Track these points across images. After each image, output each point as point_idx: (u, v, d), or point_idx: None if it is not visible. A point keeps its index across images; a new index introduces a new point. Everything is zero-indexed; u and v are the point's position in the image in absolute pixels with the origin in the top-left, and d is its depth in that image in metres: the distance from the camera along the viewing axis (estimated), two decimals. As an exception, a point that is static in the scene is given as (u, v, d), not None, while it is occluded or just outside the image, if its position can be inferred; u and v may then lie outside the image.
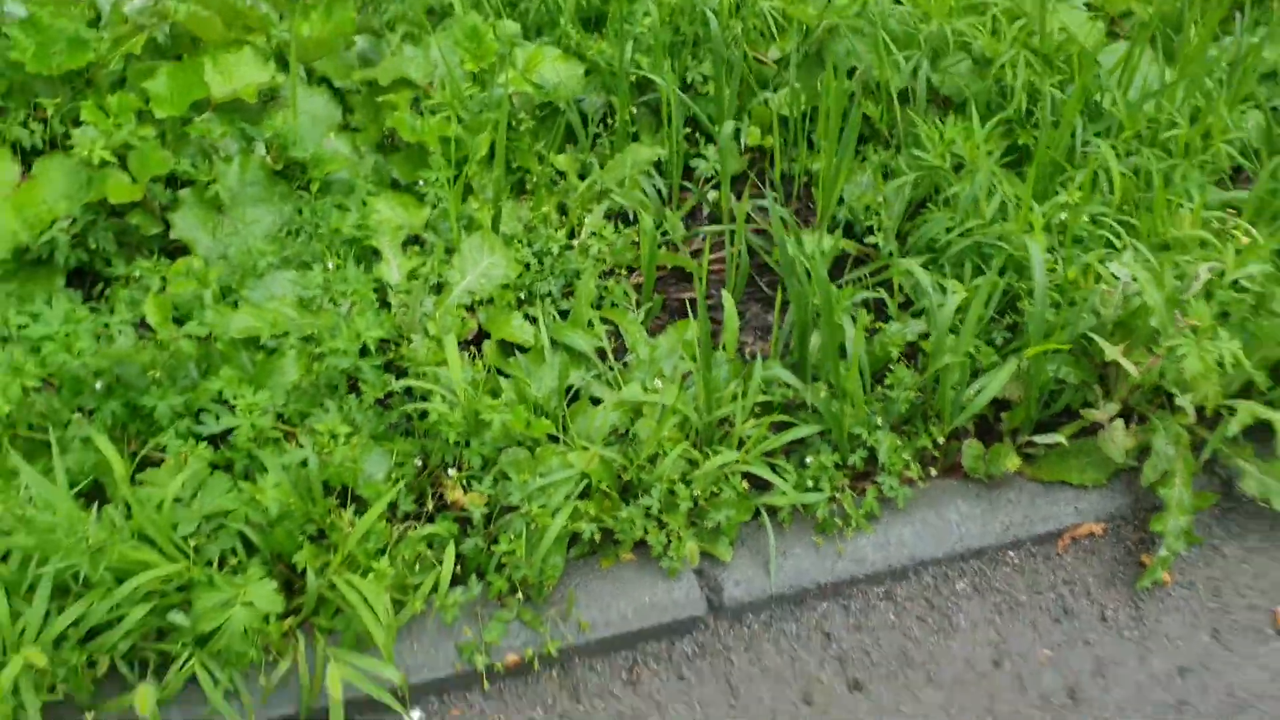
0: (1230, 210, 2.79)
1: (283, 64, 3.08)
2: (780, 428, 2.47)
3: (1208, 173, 2.88)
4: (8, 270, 2.62)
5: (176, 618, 2.04)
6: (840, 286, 2.77)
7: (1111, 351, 2.39)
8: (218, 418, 2.26)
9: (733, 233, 2.81)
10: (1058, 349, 2.43)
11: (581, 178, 3.05)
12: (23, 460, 2.08)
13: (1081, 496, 2.53)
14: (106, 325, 2.37)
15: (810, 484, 2.41)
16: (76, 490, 2.14)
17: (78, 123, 2.75)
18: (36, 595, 1.95)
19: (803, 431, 2.43)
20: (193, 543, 2.10)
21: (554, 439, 2.38)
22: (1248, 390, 2.55)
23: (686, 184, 3.14)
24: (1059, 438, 2.50)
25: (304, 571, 2.13)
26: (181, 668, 2.02)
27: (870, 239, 2.88)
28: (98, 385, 2.27)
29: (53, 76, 2.81)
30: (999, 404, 2.58)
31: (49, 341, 2.23)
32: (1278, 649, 2.40)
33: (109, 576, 1.99)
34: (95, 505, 2.11)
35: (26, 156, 2.74)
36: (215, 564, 2.12)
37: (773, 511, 2.40)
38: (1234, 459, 2.53)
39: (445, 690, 2.18)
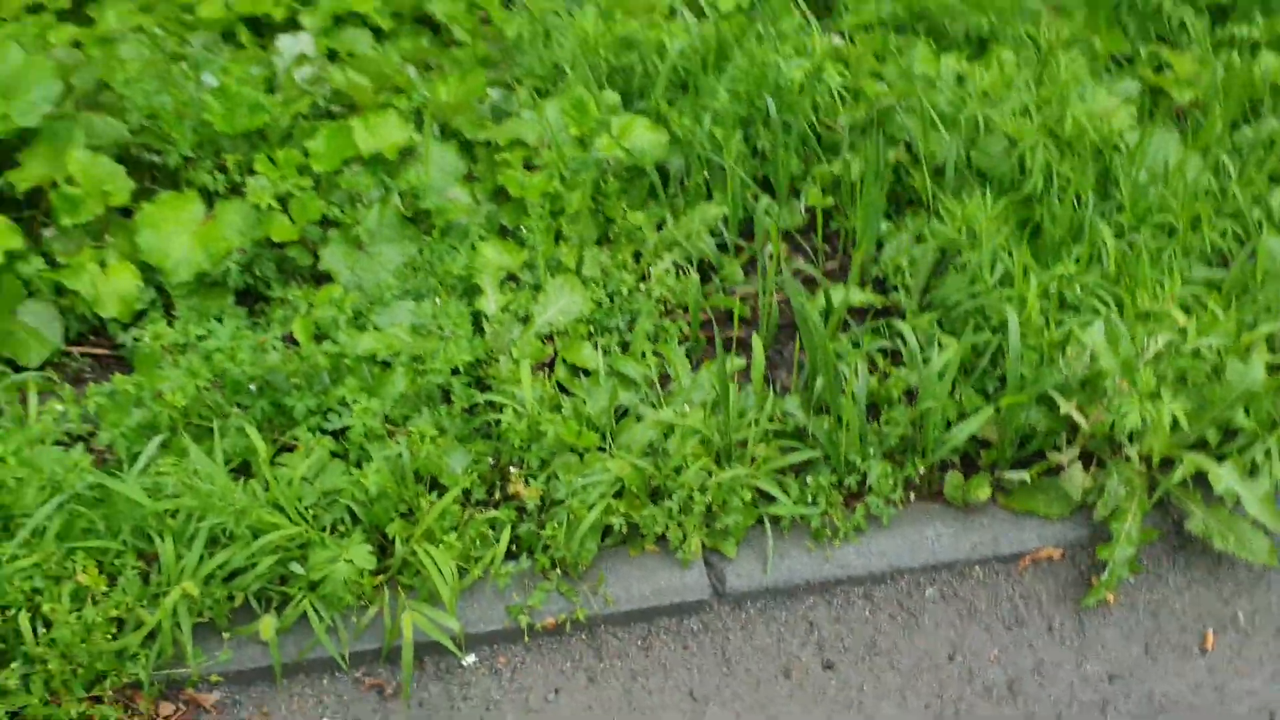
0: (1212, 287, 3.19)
1: (421, 124, 3.73)
2: (790, 451, 2.99)
3: (1195, 253, 3.27)
4: (191, 290, 3.33)
5: (296, 568, 2.68)
6: (860, 334, 3.27)
7: (1065, 405, 2.84)
8: (340, 416, 2.91)
9: (778, 283, 3.34)
10: (1026, 400, 2.89)
11: (660, 228, 3.61)
12: (191, 442, 2.77)
13: (1046, 525, 2.98)
14: (263, 341, 3.05)
15: (809, 499, 2.92)
16: (230, 467, 2.81)
17: (252, 172, 3.45)
18: (195, 543, 2.62)
19: (805, 455, 2.95)
20: (312, 512, 2.75)
21: (601, 449, 2.95)
22: (1204, 443, 2.97)
23: (742, 242, 3.67)
24: (1026, 475, 2.95)
25: (394, 540, 2.76)
26: (296, 606, 2.67)
27: (895, 295, 3.37)
28: (252, 387, 2.95)
29: (235, 134, 3.52)
30: (982, 442, 3.05)
31: (219, 353, 2.92)
32: (1201, 665, 2.81)
33: (248, 533, 2.65)
34: (243, 479, 2.78)
35: (211, 199, 3.45)
36: (328, 529, 2.76)
37: (775, 519, 2.93)
38: (1184, 501, 2.94)
39: (495, 641, 2.78)
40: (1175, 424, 2.86)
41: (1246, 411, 2.93)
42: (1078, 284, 3.14)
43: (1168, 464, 2.95)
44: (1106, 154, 3.46)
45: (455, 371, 3.00)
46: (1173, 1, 4.19)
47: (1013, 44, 3.93)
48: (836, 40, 4.32)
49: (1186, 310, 3.10)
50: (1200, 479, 2.92)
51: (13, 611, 2.52)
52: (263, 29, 4.53)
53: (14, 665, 2.50)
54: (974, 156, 3.57)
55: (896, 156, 3.64)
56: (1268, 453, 2.89)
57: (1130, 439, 2.88)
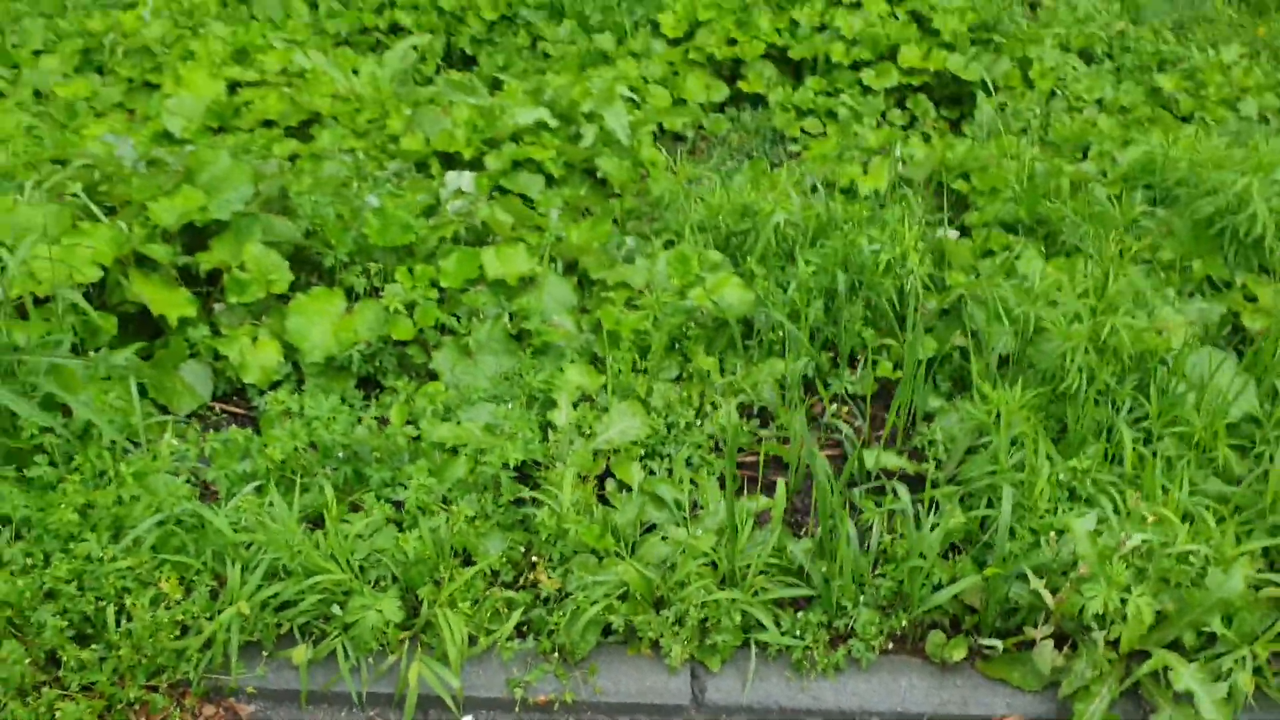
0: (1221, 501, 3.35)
1: (550, 259, 4.27)
2: (790, 586, 3.29)
3: (1211, 467, 3.43)
4: (321, 370, 3.92)
5: (335, 610, 3.14)
6: (872, 490, 3.56)
7: (1036, 583, 3.06)
8: (406, 489, 3.39)
9: (828, 435, 3.67)
10: (1005, 572, 3.12)
11: (734, 373, 4.00)
12: (275, 489, 3.29)
13: (1016, 696, 3.16)
14: (360, 418, 3.59)
15: (797, 633, 3.21)
16: (305, 516, 3.32)
17: (392, 280, 4.04)
18: (256, 572, 3.12)
19: (799, 593, 3.25)
20: (360, 565, 3.21)
21: (620, 555, 3.32)
22: (1182, 644, 3.11)
23: (793, 398, 4.03)
24: (999, 644, 3.16)
25: (423, 601, 3.19)
26: (330, 642, 3.12)
27: (926, 465, 3.65)
28: (340, 454, 3.47)
29: (385, 247, 4.14)
30: (970, 608, 3.27)
31: (316, 420, 3.46)
32: None
33: (302, 572, 3.14)
34: (311, 527, 3.27)
35: (355, 297, 4.06)
36: (373, 583, 3.22)
37: (762, 645, 3.22)
38: (1154, 695, 3.08)
39: (492, 708, 3.15)
40: (1157, 621, 3.04)
41: (1229, 620, 3.07)
42: (1089, 478, 3.36)
43: (1145, 655, 3.10)
44: (1151, 364, 3.67)
45: (506, 466, 3.43)
46: (1275, 236, 4.37)
47: (1105, 256, 4.19)
48: (950, 234, 4.68)
49: (1189, 518, 3.27)
50: (1172, 677, 3.06)
51: (104, 603, 3.07)
52: (453, 163, 5.21)
53: (95, 647, 3.03)
54: (1030, 351, 3.84)
55: (954, 342, 3.94)
56: (1239, 661, 3.01)
57: (1100, 626, 3.06)
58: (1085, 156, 5.66)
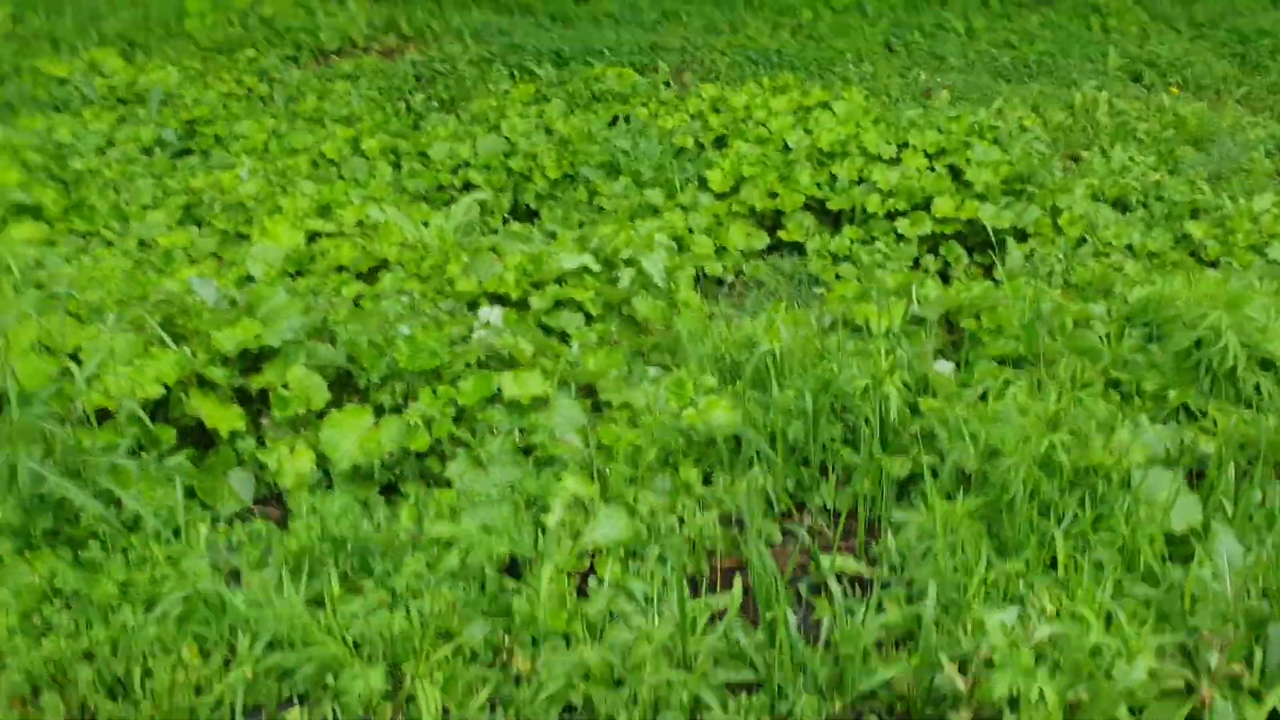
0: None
1: (564, 383, 4.75)
2: (739, 670, 3.61)
3: (1139, 572, 3.68)
4: (348, 477, 4.41)
5: (329, 679, 3.57)
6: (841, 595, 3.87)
7: (949, 669, 3.33)
8: (399, 575, 3.82)
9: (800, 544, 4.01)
10: (923, 662, 3.41)
11: (718, 485, 4.38)
12: (288, 575, 3.76)
13: (941, 778, 3.41)
14: (370, 516, 4.07)
15: (741, 714, 3.52)
16: (312, 598, 3.78)
17: (415, 398, 4.56)
18: (260, 641, 3.57)
19: (745, 678, 3.57)
20: (355, 641, 3.64)
21: (586, 640, 3.69)
22: (1096, 734, 3.34)
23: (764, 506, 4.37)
24: (924, 728, 3.43)
25: (406, 675, 3.60)
26: (322, 707, 3.54)
27: (880, 569, 3.96)
28: (348, 546, 3.94)
29: (414, 371, 4.66)
30: (903, 696, 3.54)
31: (331, 514, 3.94)
32: None
33: (302, 644, 3.58)
34: (317, 608, 3.72)
35: (382, 413, 4.57)
36: (365, 658, 3.64)
37: (708, 723, 3.54)
38: (1068, 782, 3.31)
39: (463, 770, 3.52)
40: (1072, 710, 3.29)
41: (1137, 711, 3.30)
42: (1022, 579, 3.63)
43: (1060, 744, 3.33)
44: (1096, 481, 3.95)
45: (493, 559, 3.85)
46: (1247, 367, 4.62)
47: (1059, 382, 4.50)
48: (945, 367, 5.02)
49: (1110, 617, 3.51)
50: (1082, 763, 3.28)
51: (133, 665, 3.55)
52: (502, 303, 5.76)
53: (121, 702, 3.50)
54: (988, 467, 4.14)
55: (924, 462, 4.27)
56: (1144, 747, 3.23)
57: (1013, 710, 3.30)
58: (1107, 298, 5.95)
